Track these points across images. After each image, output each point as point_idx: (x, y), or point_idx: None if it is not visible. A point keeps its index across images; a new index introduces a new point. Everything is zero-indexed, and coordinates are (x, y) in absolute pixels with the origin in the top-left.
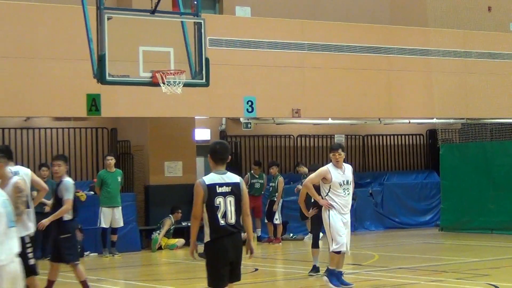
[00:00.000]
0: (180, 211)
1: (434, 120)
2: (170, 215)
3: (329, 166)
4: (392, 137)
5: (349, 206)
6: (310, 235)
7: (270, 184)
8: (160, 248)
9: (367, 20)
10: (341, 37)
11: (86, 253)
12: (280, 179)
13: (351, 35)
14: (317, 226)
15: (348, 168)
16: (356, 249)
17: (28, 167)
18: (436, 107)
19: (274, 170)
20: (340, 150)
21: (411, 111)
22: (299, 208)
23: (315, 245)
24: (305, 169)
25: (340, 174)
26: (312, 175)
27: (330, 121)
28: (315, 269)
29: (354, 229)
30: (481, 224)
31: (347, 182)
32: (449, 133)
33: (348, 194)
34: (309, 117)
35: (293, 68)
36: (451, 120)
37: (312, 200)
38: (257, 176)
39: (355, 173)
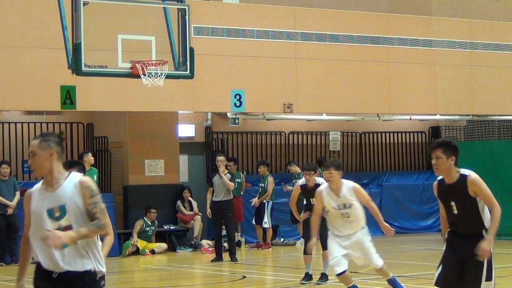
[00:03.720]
0: (154, 211)
1: (437, 117)
2: (144, 217)
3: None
4: (391, 134)
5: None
6: (302, 240)
7: (260, 184)
8: (136, 253)
9: (365, 7)
10: (337, 26)
11: None
12: (270, 179)
13: (348, 24)
14: (310, 230)
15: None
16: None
17: None
18: (439, 103)
19: (262, 169)
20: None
21: (412, 106)
22: (290, 211)
23: (307, 251)
24: (297, 169)
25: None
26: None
27: (324, 116)
28: (308, 277)
29: None
30: None
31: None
32: (453, 131)
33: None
34: (301, 113)
35: (285, 59)
36: (456, 117)
37: (305, 203)
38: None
39: (351, 173)
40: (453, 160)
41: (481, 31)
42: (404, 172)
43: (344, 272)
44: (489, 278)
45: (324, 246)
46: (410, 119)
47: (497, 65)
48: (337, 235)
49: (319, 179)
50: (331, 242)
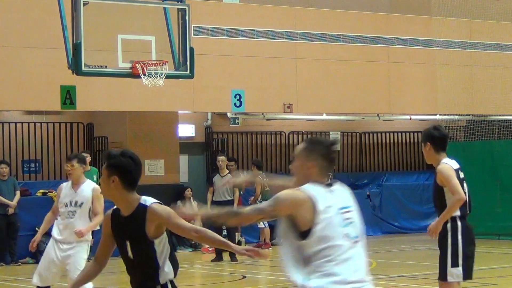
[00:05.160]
0: None
1: (437, 117)
2: None
3: None
4: (391, 134)
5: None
6: None
7: None
8: None
9: (365, 7)
10: (337, 26)
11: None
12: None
13: (348, 24)
14: None
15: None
16: None
17: None
18: (439, 103)
19: (253, 169)
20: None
21: (412, 106)
22: None
23: None
24: None
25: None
26: None
27: (324, 116)
28: None
29: None
30: (488, 229)
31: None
32: (453, 131)
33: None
34: (302, 113)
35: (285, 59)
36: (456, 117)
37: None
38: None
39: (351, 173)
40: (428, 147)
41: (481, 31)
42: (404, 172)
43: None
44: (454, 264)
45: None
46: (410, 119)
47: (497, 65)
48: (57, 239)
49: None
50: (48, 247)
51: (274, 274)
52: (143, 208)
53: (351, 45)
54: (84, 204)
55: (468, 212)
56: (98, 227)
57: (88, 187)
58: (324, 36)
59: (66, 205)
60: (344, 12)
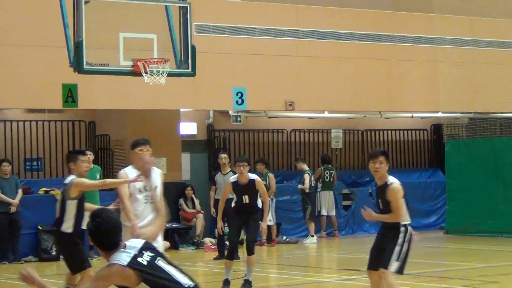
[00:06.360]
0: None
1: (439, 114)
2: None
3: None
4: (393, 132)
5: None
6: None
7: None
8: None
9: (367, 5)
10: (339, 24)
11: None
12: (271, 175)
13: (350, 22)
14: (233, 233)
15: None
16: (354, 253)
17: None
18: (441, 100)
19: (260, 167)
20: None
21: (414, 104)
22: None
23: (229, 255)
24: (305, 166)
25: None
26: None
27: (326, 114)
28: (227, 283)
29: (352, 232)
30: (490, 226)
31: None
32: (455, 128)
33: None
34: (303, 110)
35: (286, 57)
36: (458, 114)
37: (234, 201)
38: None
39: (353, 171)
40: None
41: (482, 29)
42: (406, 170)
43: None
44: None
45: (250, 251)
46: (412, 116)
47: (499, 62)
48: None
49: (253, 175)
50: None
51: (277, 272)
52: None
53: (353, 43)
54: (158, 187)
55: None
56: None
57: (155, 171)
58: (326, 34)
59: (140, 191)
60: (346, 10)
